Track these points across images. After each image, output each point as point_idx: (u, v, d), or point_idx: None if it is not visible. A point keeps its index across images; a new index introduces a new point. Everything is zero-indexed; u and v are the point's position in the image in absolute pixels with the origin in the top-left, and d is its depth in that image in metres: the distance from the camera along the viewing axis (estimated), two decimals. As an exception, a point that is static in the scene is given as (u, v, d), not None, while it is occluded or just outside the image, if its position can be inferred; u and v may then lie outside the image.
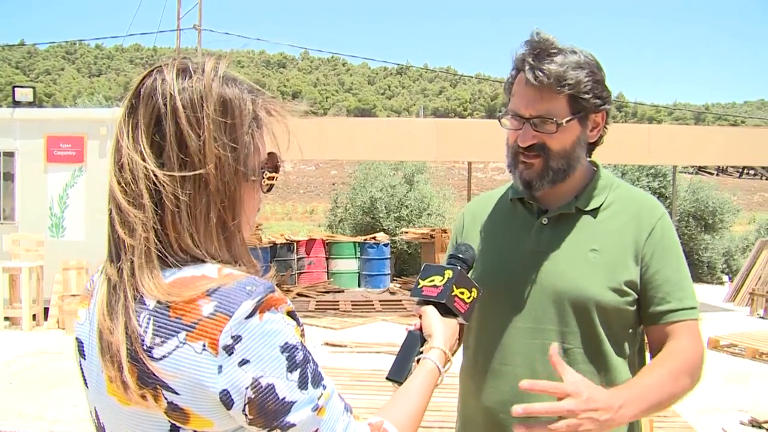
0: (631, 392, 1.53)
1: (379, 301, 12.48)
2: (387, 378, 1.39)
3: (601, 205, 1.75)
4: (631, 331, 1.73)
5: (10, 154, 10.53)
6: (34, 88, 11.60)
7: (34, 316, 9.83)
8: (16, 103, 10.92)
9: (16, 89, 11.07)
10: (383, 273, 14.65)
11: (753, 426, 5.91)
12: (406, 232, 15.08)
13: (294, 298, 12.77)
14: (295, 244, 14.40)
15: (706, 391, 6.96)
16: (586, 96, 1.64)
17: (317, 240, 14.82)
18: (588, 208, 1.75)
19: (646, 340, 1.79)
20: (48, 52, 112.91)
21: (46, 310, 10.00)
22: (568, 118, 1.65)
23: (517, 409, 1.41)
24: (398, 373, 1.37)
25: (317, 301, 12.40)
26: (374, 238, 14.90)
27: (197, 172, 1.06)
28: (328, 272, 14.78)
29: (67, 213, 10.41)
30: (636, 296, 1.69)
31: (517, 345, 1.72)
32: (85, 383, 1.19)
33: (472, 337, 1.84)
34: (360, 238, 15.12)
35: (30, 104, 11.05)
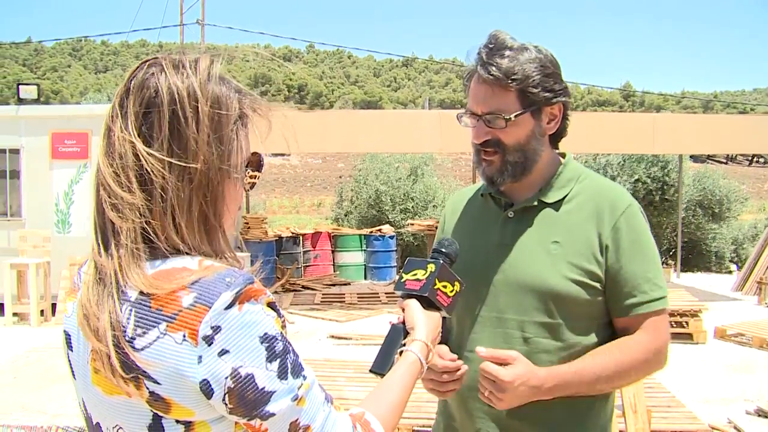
0: (566, 376, 1.65)
1: (385, 293, 12.46)
2: (370, 370, 1.41)
3: (564, 198, 1.78)
4: (599, 322, 1.75)
5: (15, 152, 10.54)
6: (38, 85, 11.64)
7: (41, 311, 9.88)
8: (21, 101, 10.96)
9: (20, 87, 11.11)
10: (389, 265, 14.63)
11: (759, 416, 5.86)
12: (412, 224, 15.06)
13: (300, 290, 12.79)
14: (300, 237, 14.42)
15: (711, 380, 6.96)
16: (535, 90, 1.69)
17: (323, 233, 14.81)
18: (550, 201, 1.78)
19: None
20: (54, 49, 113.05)
21: (54, 305, 10.06)
22: (518, 113, 1.70)
23: (481, 350, 1.64)
24: (381, 366, 1.40)
25: (323, 294, 12.40)
26: (380, 230, 14.90)
27: (186, 164, 1.08)
28: (334, 265, 14.78)
29: (73, 209, 10.44)
30: (601, 288, 1.71)
31: (483, 334, 1.78)
32: (73, 375, 1.21)
33: (444, 327, 1.89)
34: (366, 231, 15.12)
35: (35, 101, 11.09)
